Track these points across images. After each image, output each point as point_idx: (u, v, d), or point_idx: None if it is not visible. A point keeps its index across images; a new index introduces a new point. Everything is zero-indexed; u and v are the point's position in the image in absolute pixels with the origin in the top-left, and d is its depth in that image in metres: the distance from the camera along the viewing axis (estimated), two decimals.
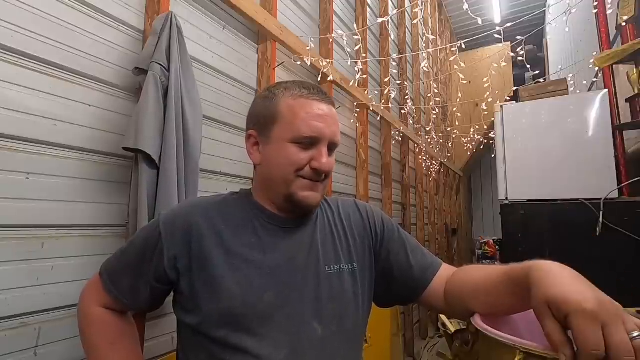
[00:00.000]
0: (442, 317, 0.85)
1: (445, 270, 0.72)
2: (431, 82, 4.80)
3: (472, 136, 5.20)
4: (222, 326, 0.60)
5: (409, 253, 0.73)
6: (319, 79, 2.20)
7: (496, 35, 1.88)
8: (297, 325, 0.61)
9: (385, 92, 3.09)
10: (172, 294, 0.69)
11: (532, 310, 0.55)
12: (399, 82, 3.70)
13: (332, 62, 2.26)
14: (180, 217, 0.66)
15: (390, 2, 3.61)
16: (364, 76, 2.81)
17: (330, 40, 2.30)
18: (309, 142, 0.64)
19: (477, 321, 0.53)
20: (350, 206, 0.78)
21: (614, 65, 2.01)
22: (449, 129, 5.42)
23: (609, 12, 2.11)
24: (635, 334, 0.37)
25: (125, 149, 1.07)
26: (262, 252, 0.64)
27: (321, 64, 2.09)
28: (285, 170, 0.64)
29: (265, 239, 0.65)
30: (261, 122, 0.68)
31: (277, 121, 0.65)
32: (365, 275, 0.71)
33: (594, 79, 2.78)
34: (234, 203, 0.70)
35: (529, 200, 2.03)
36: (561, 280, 0.43)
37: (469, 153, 6.16)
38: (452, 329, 0.72)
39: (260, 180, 0.70)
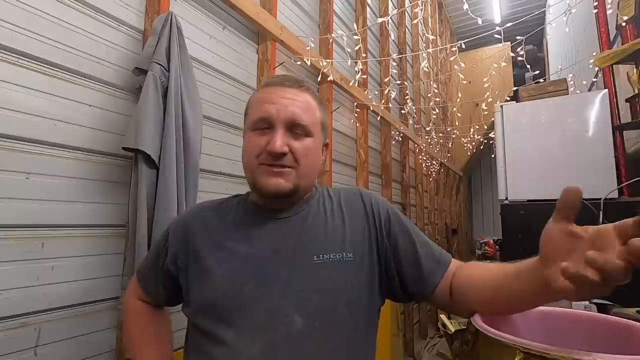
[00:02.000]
0: (442, 317, 0.84)
1: (455, 265, 0.69)
2: (431, 82, 4.80)
3: (472, 136, 5.20)
4: (206, 317, 0.63)
5: (418, 249, 0.69)
6: (319, 79, 2.20)
7: (496, 35, 1.88)
8: (275, 318, 0.60)
9: (385, 92, 3.09)
10: None
11: (532, 310, 0.56)
12: (399, 82, 3.70)
13: (332, 62, 2.26)
14: (182, 219, 0.74)
15: (390, 2, 3.61)
16: (364, 76, 2.81)
17: (330, 40, 2.30)
18: (263, 126, 0.65)
19: (477, 321, 0.53)
20: (353, 195, 0.75)
21: (614, 65, 2.01)
22: (449, 129, 5.42)
23: (609, 12, 2.11)
24: None
25: (125, 148, 1.07)
26: (249, 244, 0.65)
27: (321, 64, 2.09)
28: (248, 158, 0.67)
29: (253, 232, 0.67)
30: (244, 121, 0.74)
31: (246, 115, 0.71)
32: (363, 265, 0.67)
33: (594, 79, 2.78)
34: (232, 203, 0.74)
35: (529, 200, 2.04)
36: None
37: (469, 153, 6.16)
38: (452, 329, 0.72)
39: None
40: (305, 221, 0.68)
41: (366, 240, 0.69)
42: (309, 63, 1.94)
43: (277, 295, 0.61)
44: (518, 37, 2.02)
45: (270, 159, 0.63)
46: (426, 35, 4.82)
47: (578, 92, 3.06)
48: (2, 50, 0.90)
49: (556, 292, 0.43)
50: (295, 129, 0.65)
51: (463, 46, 2.18)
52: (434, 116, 4.94)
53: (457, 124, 5.76)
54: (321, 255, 0.64)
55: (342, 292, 0.64)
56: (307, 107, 0.67)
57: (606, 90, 1.98)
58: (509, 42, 2.39)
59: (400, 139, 3.68)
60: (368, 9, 3.07)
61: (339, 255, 0.65)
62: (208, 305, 0.63)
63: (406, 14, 4.11)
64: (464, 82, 4.64)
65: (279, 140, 0.62)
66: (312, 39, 2.10)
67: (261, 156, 0.64)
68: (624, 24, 1.95)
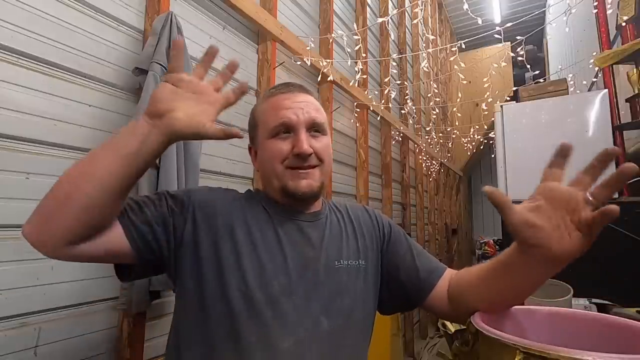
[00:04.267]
0: None
1: (449, 274, 0.73)
2: (431, 82, 4.80)
3: (472, 136, 5.20)
4: (230, 303, 0.59)
5: (415, 256, 0.75)
6: (319, 79, 2.20)
7: (496, 35, 1.88)
8: (304, 317, 0.62)
9: (385, 92, 3.09)
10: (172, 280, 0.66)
11: (536, 310, 0.56)
12: (399, 82, 3.70)
13: (332, 62, 2.26)
14: (207, 194, 0.68)
15: (390, 2, 3.61)
16: (364, 76, 2.81)
17: (330, 40, 2.30)
18: (284, 132, 0.67)
19: (477, 321, 0.52)
20: (358, 208, 0.81)
21: (614, 65, 2.01)
22: (449, 129, 5.42)
23: (609, 12, 2.11)
24: None
25: None
26: (278, 242, 0.66)
27: (321, 64, 2.09)
28: (272, 165, 0.67)
29: (280, 232, 0.67)
30: (250, 134, 0.75)
31: (258, 127, 0.71)
32: (373, 274, 0.73)
33: (594, 79, 2.78)
34: (255, 197, 0.73)
35: None
36: None
37: (469, 153, 6.16)
38: (452, 329, 0.72)
39: (262, 183, 0.74)
40: (325, 228, 0.71)
41: (375, 249, 0.75)
42: (309, 63, 1.94)
43: (303, 295, 0.63)
44: (518, 37, 2.02)
45: (298, 161, 0.65)
46: (426, 35, 4.82)
47: (578, 92, 3.06)
48: (2, 50, 0.90)
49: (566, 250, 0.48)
50: (313, 129, 0.68)
51: (463, 46, 2.18)
52: (434, 116, 4.94)
53: (457, 124, 5.76)
54: (341, 261, 0.69)
55: (358, 296, 0.68)
56: (318, 108, 0.71)
57: (606, 90, 1.98)
58: (509, 42, 2.39)
59: (400, 139, 3.68)
60: (368, 9, 3.07)
61: (356, 262, 0.70)
62: (234, 290, 0.59)
63: (406, 14, 4.11)
64: (464, 82, 4.65)
65: (304, 142, 0.65)
66: (312, 39, 2.10)
67: (287, 160, 0.66)
68: (624, 24, 1.95)
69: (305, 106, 0.68)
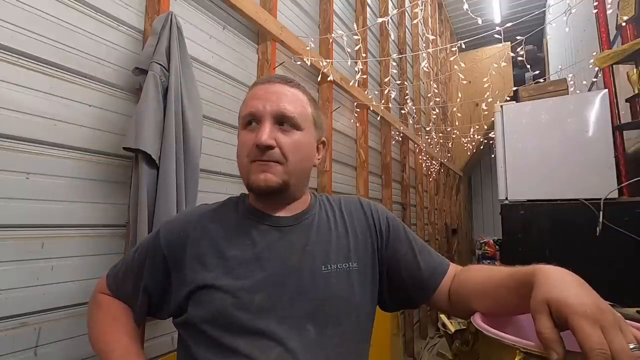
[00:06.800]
0: (442, 317, 0.85)
1: (453, 271, 0.70)
2: (431, 82, 4.80)
3: (472, 136, 5.20)
4: (215, 327, 0.60)
5: (417, 254, 0.71)
6: (319, 79, 2.20)
7: (496, 35, 1.88)
8: (289, 327, 0.60)
9: (385, 92, 3.09)
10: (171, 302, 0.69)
11: None
12: (399, 82, 3.70)
13: (332, 62, 2.26)
14: (178, 226, 0.69)
15: (390, 2, 3.61)
16: (364, 76, 2.81)
17: (330, 40, 2.30)
18: (251, 122, 0.65)
19: (477, 321, 0.52)
20: (353, 203, 0.76)
21: (614, 65, 2.01)
22: (449, 129, 5.42)
23: (609, 12, 2.11)
24: (632, 346, 0.37)
25: (125, 148, 1.07)
26: (255, 254, 0.64)
27: (321, 64, 2.09)
28: (240, 157, 0.66)
29: (259, 241, 0.65)
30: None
31: (238, 118, 0.70)
32: (367, 274, 0.69)
33: (594, 79, 2.79)
34: (230, 208, 0.72)
35: (529, 200, 2.03)
36: (563, 284, 0.44)
37: (469, 153, 6.16)
38: (452, 329, 0.72)
39: None
40: (310, 230, 0.68)
41: (369, 249, 0.70)
42: (309, 63, 1.94)
43: (288, 305, 0.61)
44: (518, 37, 2.02)
45: (258, 153, 0.62)
46: (426, 35, 4.82)
47: (578, 92, 3.06)
48: (2, 50, 0.90)
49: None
50: (283, 122, 0.64)
51: (463, 46, 2.18)
52: (434, 116, 4.94)
53: (457, 124, 5.76)
54: (328, 265, 0.65)
55: (350, 301, 0.65)
56: (295, 100, 0.66)
57: (606, 90, 1.97)
58: (509, 42, 2.39)
59: (400, 139, 3.68)
60: (368, 9, 3.07)
61: (345, 265, 0.66)
62: (217, 315, 0.60)
63: (406, 14, 4.11)
64: (464, 82, 4.65)
65: (264, 133, 0.62)
66: (312, 39, 2.10)
67: (251, 153, 0.63)
68: (624, 24, 1.95)
69: (277, 97, 0.64)
